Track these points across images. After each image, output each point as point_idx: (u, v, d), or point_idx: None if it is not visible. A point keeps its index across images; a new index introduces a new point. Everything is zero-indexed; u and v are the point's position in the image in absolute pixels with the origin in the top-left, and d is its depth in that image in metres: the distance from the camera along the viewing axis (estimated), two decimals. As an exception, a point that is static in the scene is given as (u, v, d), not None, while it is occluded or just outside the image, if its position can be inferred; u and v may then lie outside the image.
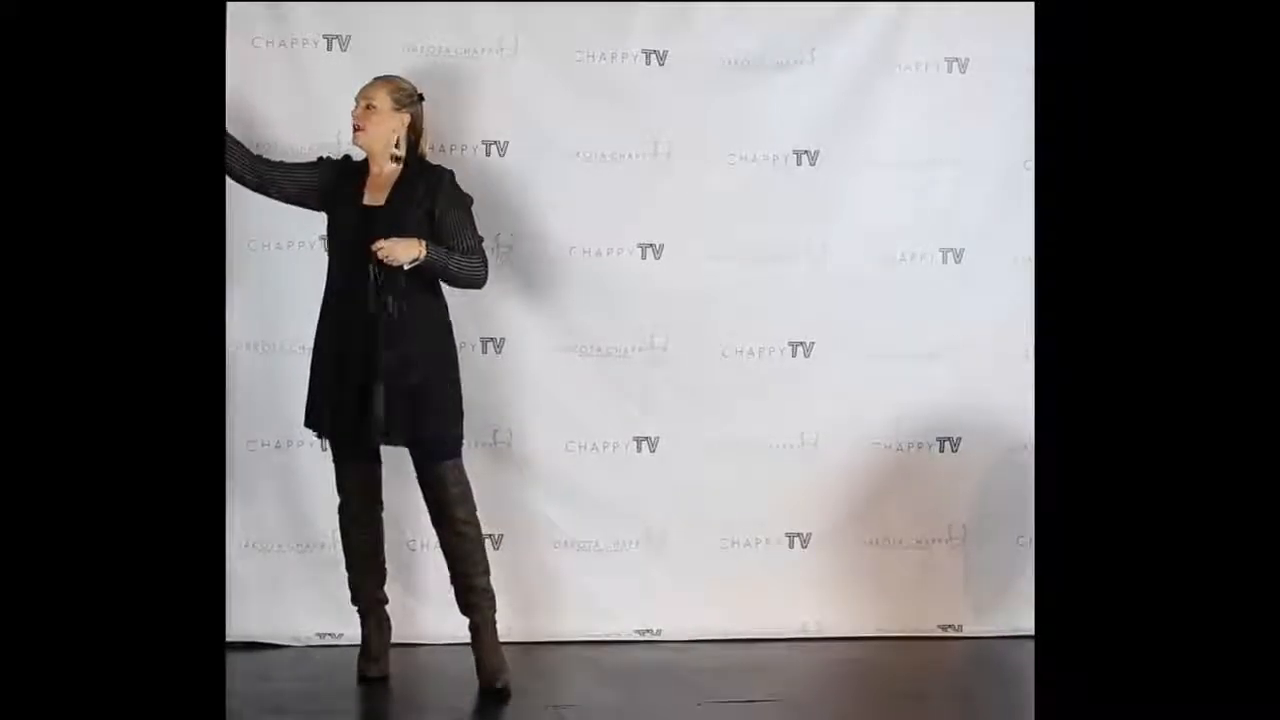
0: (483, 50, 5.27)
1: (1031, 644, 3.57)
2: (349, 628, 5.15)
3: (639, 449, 5.37)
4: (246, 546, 5.24)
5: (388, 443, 4.75)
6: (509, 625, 5.22)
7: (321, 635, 5.25)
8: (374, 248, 4.58)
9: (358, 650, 4.95)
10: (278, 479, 5.27)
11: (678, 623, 5.34)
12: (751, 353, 5.41)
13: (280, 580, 5.26)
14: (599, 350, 5.36)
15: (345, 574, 4.96)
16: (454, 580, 4.83)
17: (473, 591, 4.80)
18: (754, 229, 5.37)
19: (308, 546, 5.28)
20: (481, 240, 4.77)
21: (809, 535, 5.44)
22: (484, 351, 5.30)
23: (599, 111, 5.29)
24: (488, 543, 5.20)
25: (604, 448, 5.38)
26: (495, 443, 5.31)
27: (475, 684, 4.81)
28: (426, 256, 4.61)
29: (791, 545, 5.43)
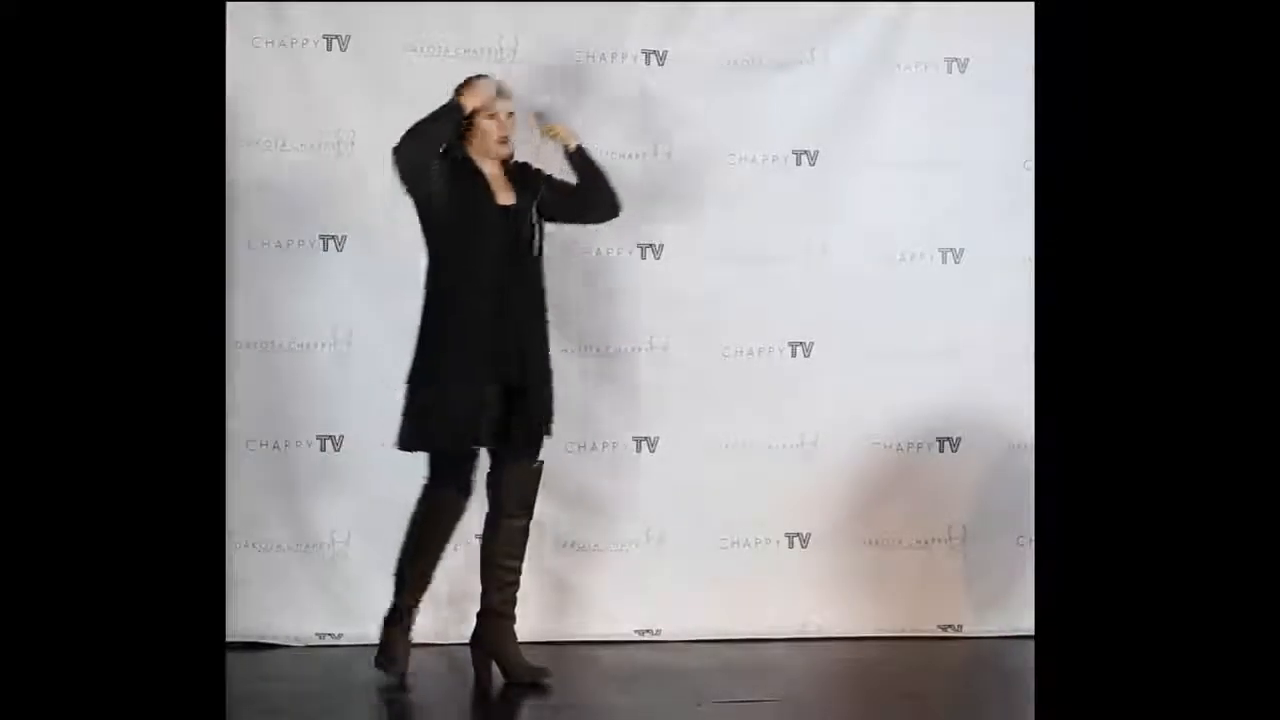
0: (483, 50, 5.27)
1: (1031, 644, 3.57)
2: (349, 627, 5.16)
3: (639, 449, 5.37)
4: (246, 546, 5.23)
5: (507, 443, 4.73)
6: (509, 625, 5.23)
7: (321, 635, 5.25)
8: (547, 126, 4.88)
9: (362, 650, 4.93)
10: (278, 479, 5.27)
11: (678, 623, 5.34)
12: (751, 353, 5.41)
13: (280, 580, 5.25)
14: (599, 350, 5.36)
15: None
16: (504, 573, 4.77)
17: (516, 587, 4.79)
18: (754, 229, 5.37)
19: (308, 546, 5.28)
20: None
21: (809, 535, 5.44)
22: (484, 351, 5.30)
23: (599, 111, 5.29)
24: (488, 543, 5.21)
25: (604, 448, 5.38)
26: (495, 443, 5.31)
27: (474, 684, 4.80)
28: (580, 144, 4.87)
29: (791, 545, 5.43)
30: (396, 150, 4.60)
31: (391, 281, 5.26)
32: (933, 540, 5.51)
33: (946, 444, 5.51)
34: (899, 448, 5.50)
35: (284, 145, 5.19)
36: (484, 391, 4.64)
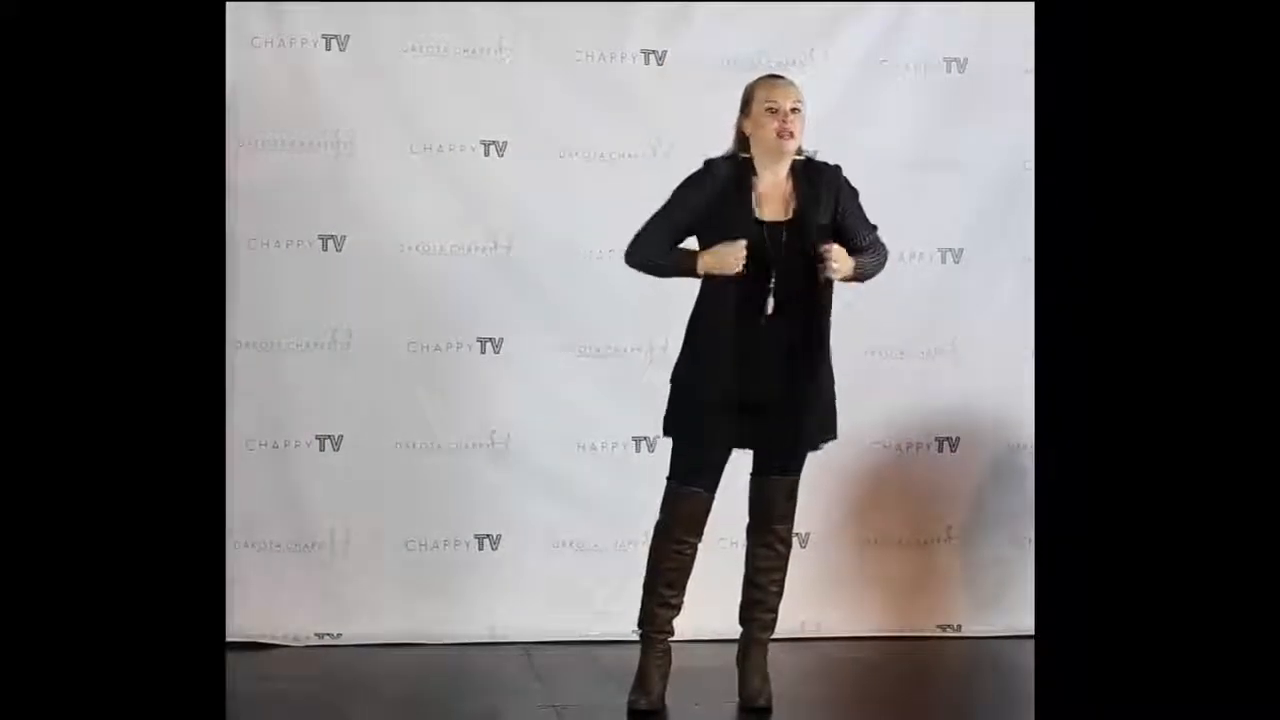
0: (483, 50, 5.27)
1: (1031, 644, 3.57)
2: (348, 627, 5.16)
3: (639, 449, 5.37)
4: (245, 546, 5.23)
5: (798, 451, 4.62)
6: (508, 625, 5.23)
7: (320, 635, 5.24)
8: (826, 251, 4.34)
9: (362, 650, 4.92)
10: (277, 478, 5.27)
11: (678, 622, 5.33)
12: (751, 353, 5.41)
13: (280, 580, 5.25)
14: (599, 350, 5.36)
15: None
16: (749, 589, 4.74)
17: (759, 605, 4.74)
18: (754, 229, 5.37)
19: (306, 546, 5.27)
20: (875, 228, 4.58)
21: (808, 535, 5.44)
22: (484, 351, 5.30)
23: (599, 111, 5.29)
24: (486, 543, 5.20)
25: (604, 448, 5.38)
26: (495, 443, 5.31)
27: (475, 684, 4.80)
28: (854, 274, 4.47)
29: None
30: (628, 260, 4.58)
31: (391, 281, 5.27)
32: (932, 540, 5.51)
33: (946, 444, 5.51)
34: (898, 448, 5.50)
35: (284, 145, 5.19)
36: (736, 403, 4.49)
